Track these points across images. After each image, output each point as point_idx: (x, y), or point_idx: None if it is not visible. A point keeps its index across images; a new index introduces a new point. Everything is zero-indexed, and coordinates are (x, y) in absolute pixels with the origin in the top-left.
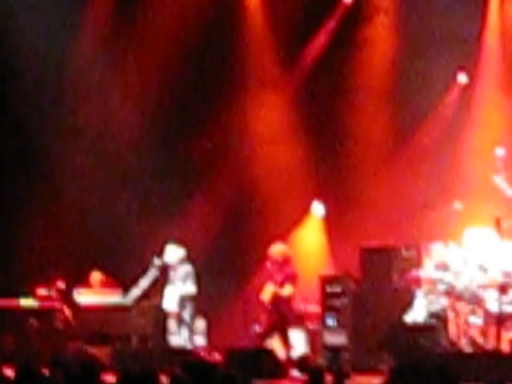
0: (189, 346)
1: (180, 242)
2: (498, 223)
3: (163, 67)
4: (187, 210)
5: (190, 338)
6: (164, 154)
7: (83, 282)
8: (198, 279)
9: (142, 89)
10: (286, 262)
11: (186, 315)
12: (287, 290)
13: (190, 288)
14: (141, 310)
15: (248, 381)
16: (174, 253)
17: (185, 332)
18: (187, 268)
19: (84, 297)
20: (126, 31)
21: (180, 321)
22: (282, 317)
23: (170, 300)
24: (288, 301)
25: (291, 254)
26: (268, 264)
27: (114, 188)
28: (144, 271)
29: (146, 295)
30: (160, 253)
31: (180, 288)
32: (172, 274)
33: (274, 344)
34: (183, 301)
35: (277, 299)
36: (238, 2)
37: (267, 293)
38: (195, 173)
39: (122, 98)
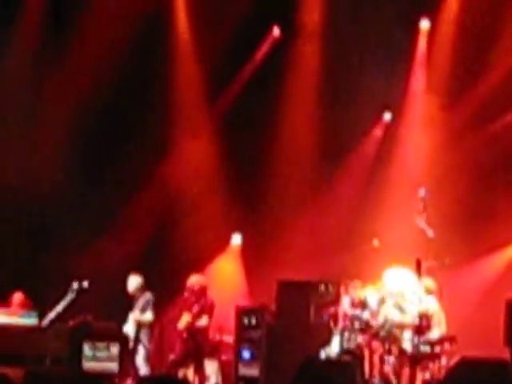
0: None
1: (99, 268)
2: (418, 264)
3: (87, 89)
4: (108, 239)
5: (146, 362)
6: (88, 180)
7: (5, 302)
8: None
9: (67, 107)
10: (202, 292)
11: (144, 340)
12: (203, 321)
13: (148, 315)
14: (56, 333)
15: None
16: (133, 282)
17: (141, 356)
18: (147, 296)
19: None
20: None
21: (136, 345)
22: (198, 346)
23: (129, 325)
24: (204, 331)
25: (208, 285)
26: (185, 294)
27: (38, 212)
28: (63, 295)
29: (61, 318)
30: (81, 277)
31: (138, 315)
32: (134, 301)
33: (189, 374)
34: (140, 327)
35: (193, 329)
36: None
37: (183, 322)
38: (117, 203)
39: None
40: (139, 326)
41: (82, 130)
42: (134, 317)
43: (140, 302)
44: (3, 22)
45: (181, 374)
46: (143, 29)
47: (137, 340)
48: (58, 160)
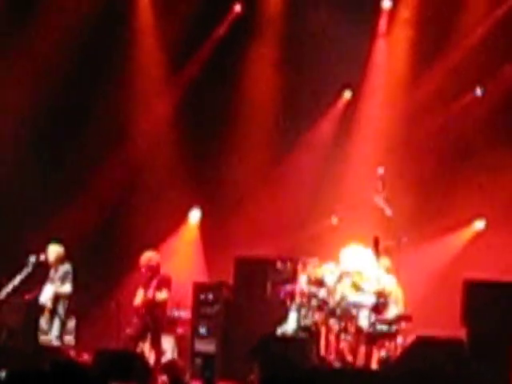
0: (58, 344)
1: (57, 241)
2: (376, 242)
3: (50, 62)
4: (67, 212)
5: (61, 337)
6: (48, 154)
7: None
8: (74, 279)
9: (26, 90)
10: (157, 267)
11: (61, 313)
12: (162, 295)
13: (67, 287)
14: (11, 306)
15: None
16: (53, 252)
17: (56, 330)
18: (66, 267)
19: None
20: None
21: (52, 318)
22: (155, 321)
23: (45, 297)
24: (162, 305)
25: (159, 261)
26: (142, 270)
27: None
28: (20, 268)
29: (17, 291)
30: (37, 251)
31: (57, 287)
32: (52, 272)
33: (146, 348)
34: (58, 299)
35: (151, 303)
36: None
37: (139, 297)
38: (76, 176)
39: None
40: (57, 297)
41: (43, 106)
42: (52, 288)
43: (59, 273)
44: None
45: (139, 348)
46: (104, 6)
47: (54, 312)
48: (20, 137)
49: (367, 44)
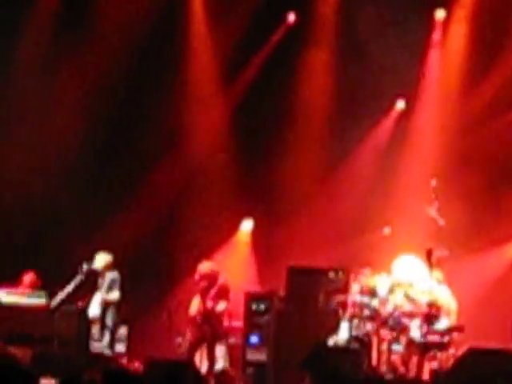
0: (109, 353)
1: (109, 249)
2: (429, 254)
3: (103, 81)
4: (119, 220)
5: (112, 345)
6: (100, 163)
7: (16, 281)
8: (123, 287)
9: (80, 99)
10: (215, 277)
11: (109, 321)
12: (221, 305)
13: (115, 294)
14: (64, 314)
15: None
16: (101, 259)
17: (106, 338)
18: (114, 275)
19: (8, 296)
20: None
21: (103, 327)
22: (212, 331)
23: (94, 306)
24: (220, 315)
25: (219, 271)
26: (197, 279)
27: (50, 194)
28: (73, 276)
29: (70, 299)
30: (89, 259)
31: (104, 294)
32: (100, 280)
33: (200, 357)
34: (107, 307)
35: (208, 313)
36: (183, 17)
37: (194, 307)
38: (128, 184)
39: (60, 108)
40: (105, 305)
41: (98, 114)
42: (100, 296)
43: (107, 281)
44: (17, 8)
45: (197, 358)
46: (159, 15)
47: (103, 320)
48: (71, 147)
49: (420, 54)
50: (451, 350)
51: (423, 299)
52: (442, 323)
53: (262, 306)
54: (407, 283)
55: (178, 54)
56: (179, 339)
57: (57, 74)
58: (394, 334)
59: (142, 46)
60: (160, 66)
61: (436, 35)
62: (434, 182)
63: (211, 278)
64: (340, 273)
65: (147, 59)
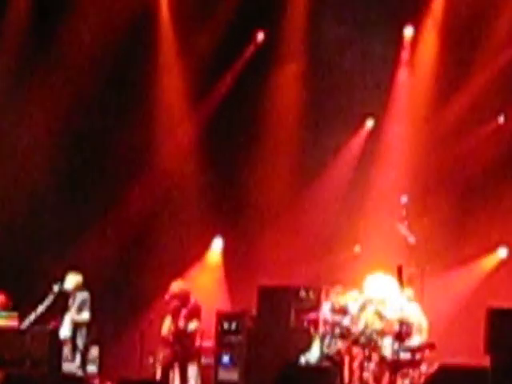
0: (81, 374)
1: (79, 269)
2: (400, 271)
3: (74, 90)
4: (90, 239)
5: (83, 366)
6: (70, 183)
7: None
8: (94, 307)
9: (49, 116)
10: (186, 297)
11: (80, 342)
12: (193, 325)
13: (85, 315)
14: (35, 335)
15: None
16: (71, 280)
17: (78, 359)
18: (84, 295)
19: None
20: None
21: (74, 348)
22: (184, 351)
23: (65, 327)
24: (192, 335)
25: (190, 290)
26: (168, 299)
27: (21, 214)
28: (44, 297)
29: (41, 320)
30: (60, 280)
31: (75, 315)
32: (70, 301)
33: (172, 377)
34: (77, 328)
35: (180, 333)
36: (151, 34)
37: (166, 327)
38: (99, 204)
39: (32, 120)
40: (76, 326)
41: (68, 131)
42: (70, 317)
43: (77, 301)
44: None
45: (167, 378)
46: (128, 32)
47: (74, 342)
48: (39, 164)
49: (389, 72)
50: (423, 367)
51: (394, 316)
52: (414, 340)
53: (234, 326)
54: (378, 300)
55: (146, 72)
56: (151, 359)
57: (26, 92)
58: (366, 351)
59: (110, 63)
60: (128, 86)
61: (405, 53)
62: (404, 199)
63: (182, 297)
64: (311, 291)
65: (115, 79)
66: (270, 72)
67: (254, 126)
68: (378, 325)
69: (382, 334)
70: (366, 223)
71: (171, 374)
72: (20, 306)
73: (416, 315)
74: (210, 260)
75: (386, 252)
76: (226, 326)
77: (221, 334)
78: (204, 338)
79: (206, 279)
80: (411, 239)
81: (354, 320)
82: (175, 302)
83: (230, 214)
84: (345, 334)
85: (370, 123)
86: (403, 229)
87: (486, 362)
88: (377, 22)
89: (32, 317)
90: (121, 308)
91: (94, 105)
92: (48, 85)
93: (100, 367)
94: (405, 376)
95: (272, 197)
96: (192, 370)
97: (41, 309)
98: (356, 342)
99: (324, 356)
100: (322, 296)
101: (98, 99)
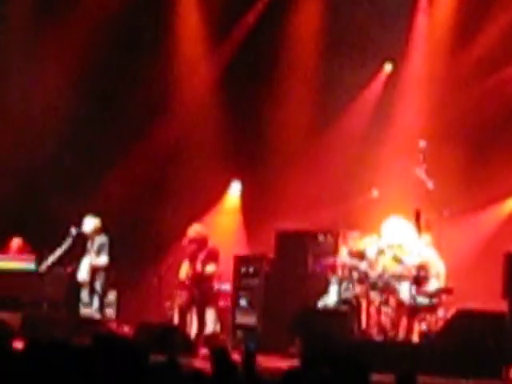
0: (98, 317)
1: (97, 213)
2: (417, 216)
3: (89, 47)
4: (108, 184)
5: (101, 309)
6: (88, 128)
7: (3, 247)
8: (112, 252)
9: (67, 66)
10: (204, 240)
11: (98, 286)
12: (210, 268)
13: (103, 259)
14: (53, 278)
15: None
16: (90, 223)
17: (96, 303)
18: (102, 239)
19: None
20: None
21: (91, 291)
22: (202, 294)
23: (83, 270)
24: (210, 279)
25: (208, 234)
26: (186, 243)
27: (37, 158)
28: (62, 240)
29: (59, 263)
30: (78, 223)
31: (93, 259)
32: (88, 244)
33: (190, 321)
34: (95, 271)
35: (198, 277)
36: None
37: (184, 271)
38: (117, 148)
39: (47, 75)
40: (94, 270)
41: (87, 79)
42: (89, 260)
43: (95, 245)
44: None
45: (185, 321)
46: None
47: (91, 286)
48: (59, 111)
49: (409, 15)
50: (440, 312)
51: (412, 261)
52: (431, 285)
53: (251, 269)
54: (396, 245)
55: (171, 6)
56: (168, 303)
57: (41, 42)
58: (384, 296)
59: (128, 10)
60: (152, 20)
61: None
62: (422, 144)
63: (200, 241)
64: (329, 236)
65: (133, 22)
66: (292, 10)
67: (275, 66)
68: (395, 269)
69: (399, 278)
70: (385, 167)
71: (189, 318)
72: (38, 250)
73: (434, 260)
74: (228, 204)
75: (404, 197)
76: (243, 269)
77: (238, 278)
78: (222, 281)
79: (223, 223)
80: (429, 184)
81: (372, 265)
82: (193, 246)
83: (249, 158)
84: (362, 279)
85: (388, 67)
86: (421, 173)
87: (503, 306)
88: None
89: (50, 260)
90: (139, 252)
91: (111, 50)
92: (61, 31)
93: (117, 311)
94: (422, 320)
95: (290, 141)
96: (210, 314)
97: (59, 252)
98: (373, 286)
99: (341, 300)
100: (340, 240)
101: (114, 44)
